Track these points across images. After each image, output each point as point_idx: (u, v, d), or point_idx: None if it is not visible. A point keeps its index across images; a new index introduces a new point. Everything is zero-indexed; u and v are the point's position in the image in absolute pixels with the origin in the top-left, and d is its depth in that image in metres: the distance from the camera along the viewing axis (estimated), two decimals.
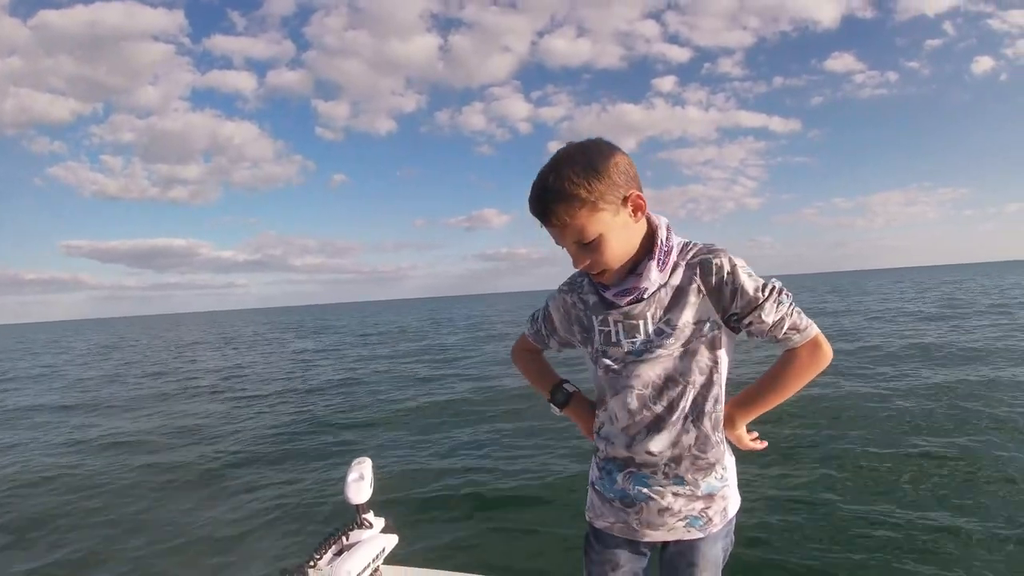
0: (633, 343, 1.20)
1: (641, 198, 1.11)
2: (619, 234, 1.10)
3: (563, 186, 1.02)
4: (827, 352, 1.20)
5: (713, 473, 1.24)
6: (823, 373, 1.21)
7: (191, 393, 12.22)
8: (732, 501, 1.30)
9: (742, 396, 1.30)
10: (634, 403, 1.21)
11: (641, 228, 1.16)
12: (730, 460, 1.30)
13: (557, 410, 1.44)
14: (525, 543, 3.79)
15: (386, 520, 1.75)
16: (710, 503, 1.25)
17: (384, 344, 21.31)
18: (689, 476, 1.23)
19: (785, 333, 1.17)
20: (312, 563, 1.61)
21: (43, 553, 4.22)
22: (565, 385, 1.45)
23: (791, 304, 1.16)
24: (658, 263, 1.15)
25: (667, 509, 1.23)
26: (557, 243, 1.14)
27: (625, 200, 1.08)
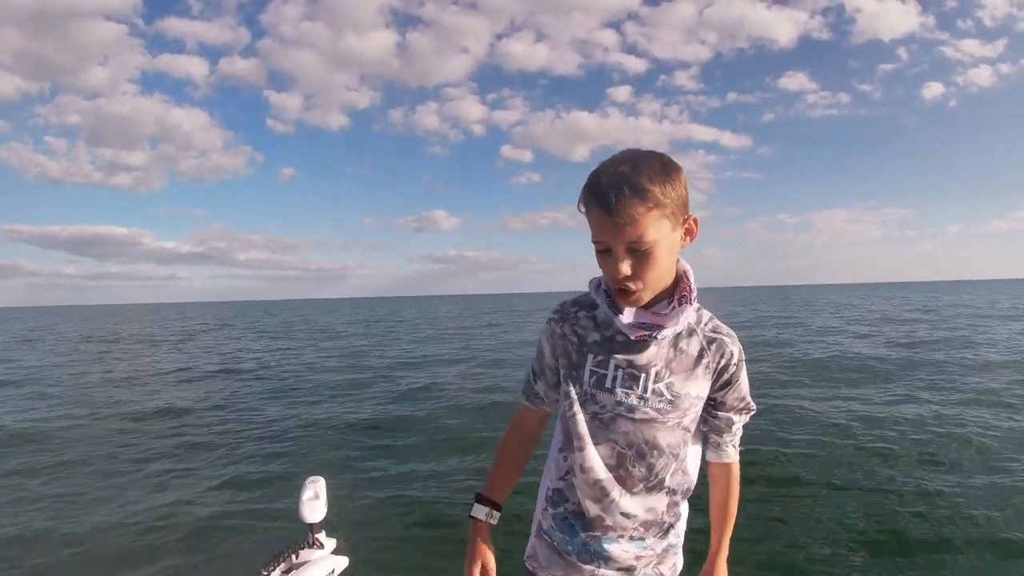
0: (627, 395, 1.11)
1: (696, 223, 1.07)
2: (669, 252, 1.04)
3: (641, 180, 0.96)
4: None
5: (672, 533, 1.23)
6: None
7: (111, 395, 11.66)
8: (681, 557, 1.29)
9: (719, 538, 1.31)
10: (612, 459, 1.14)
11: (681, 254, 1.12)
12: (684, 519, 1.28)
13: (479, 511, 1.28)
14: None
15: (337, 541, 1.72)
16: (663, 560, 1.24)
17: (317, 343, 20.89)
18: (651, 538, 1.19)
19: (732, 442, 1.25)
20: None
21: None
22: (495, 508, 1.29)
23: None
24: (677, 302, 1.11)
25: (629, 568, 1.19)
26: (600, 240, 1.02)
27: (685, 220, 1.04)
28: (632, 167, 0.97)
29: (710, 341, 1.13)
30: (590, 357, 1.15)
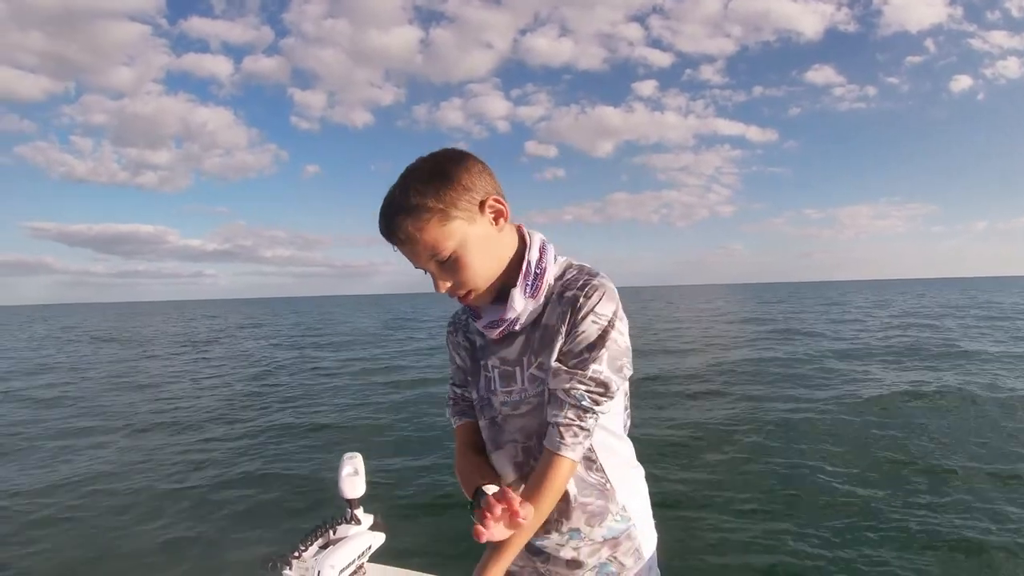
0: (508, 393, 1.07)
1: (500, 201, 0.97)
2: (480, 246, 0.96)
3: (408, 197, 0.91)
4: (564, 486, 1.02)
5: (610, 516, 1.10)
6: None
7: (167, 386, 11.96)
8: (646, 539, 1.16)
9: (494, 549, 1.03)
10: (520, 456, 1.08)
11: (509, 241, 1.03)
12: (634, 497, 1.15)
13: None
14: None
15: (374, 517, 1.74)
16: (616, 547, 1.11)
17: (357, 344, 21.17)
18: (583, 526, 1.09)
19: (561, 422, 0.98)
20: (297, 554, 1.60)
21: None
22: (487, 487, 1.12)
23: (592, 415, 0.98)
24: (523, 289, 1.00)
25: (573, 561, 1.11)
26: (416, 267, 0.98)
27: (482, 205, 0.95)
28: (401, 187, 0.93)
29: (567, 301, 0.99)
30: (480, 363, 1.13)
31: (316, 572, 1.55)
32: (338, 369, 13.53)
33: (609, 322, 0.98)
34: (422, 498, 4.79)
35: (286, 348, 19.68)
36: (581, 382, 0.97)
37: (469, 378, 1.19)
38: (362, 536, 1.68)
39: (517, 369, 1.06)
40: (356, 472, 1.69)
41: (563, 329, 0.99)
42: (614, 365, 0.99)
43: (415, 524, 4.20)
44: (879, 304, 35.82)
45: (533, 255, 1.02)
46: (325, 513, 1.69)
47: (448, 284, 0.97)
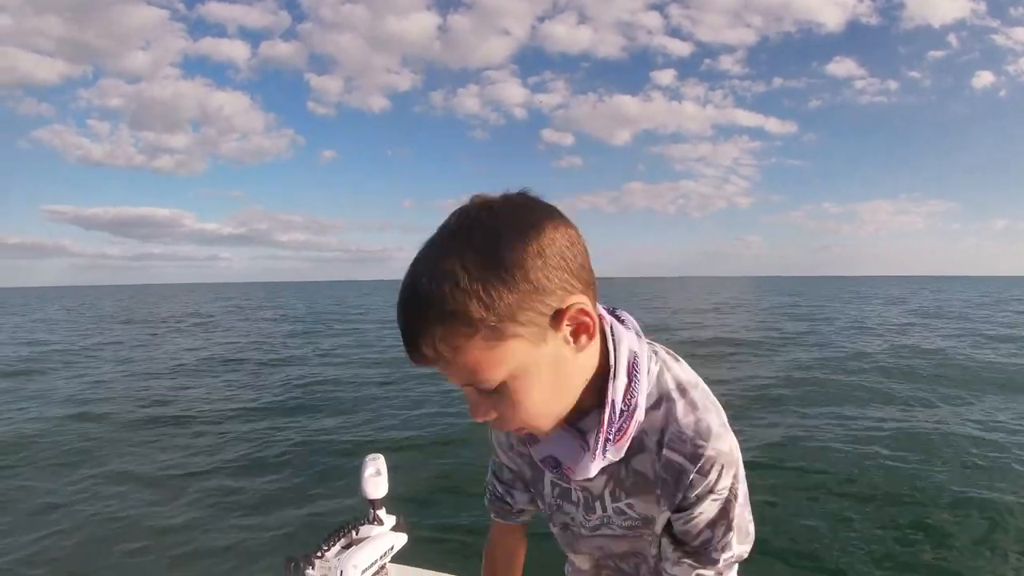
0: (588, 518, 0.88)
1: (586, 312, 0.62)
2: (546, 376, 0.63)
3: (441, 293, 0.56)
4: None
5: None
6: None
7: (171, 372, 12.12)
8: None
9: None
10: (591, 569, 0.97)
11: (589, 362, 0.69)
12: None
13: None
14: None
15: (397, 518, 1.74)
16: None
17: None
18: None
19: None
20: (320, 554, 1.60)
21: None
22: None
23: None
24: (602, 449, 0.71)
25: None
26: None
27: (558, 316, 0.60)
28: (431, 270, 0.57)
29: (665, 465, 0.72)
30: (547, 473, 0.89)
31: (339, 572, 1.56)
32: (353, 358, 13.63)
33: (731, 493, 0.72)
34: (443, 499, 4.80)
35: (303, 334, 19.83)
36: (710, 571, 0.76)
37: (529, 487, 0.97)
38: (385, 537, 1.68)
39: (598, 502, 0.83)
40: (379, 473, 1.69)
41: (665, 496, 0.75)
42: (743, 538, 0.76)
43: (437, 525, 4.21)
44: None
45: (619, 386, 0.69)
46: (347, 513, 1.69)
47: (490, 415, 0.67)
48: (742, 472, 0.73)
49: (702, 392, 0.73)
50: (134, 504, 4.75)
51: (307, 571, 1.60)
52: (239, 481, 5.30)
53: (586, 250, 0.63)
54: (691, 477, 0.70)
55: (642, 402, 0.71)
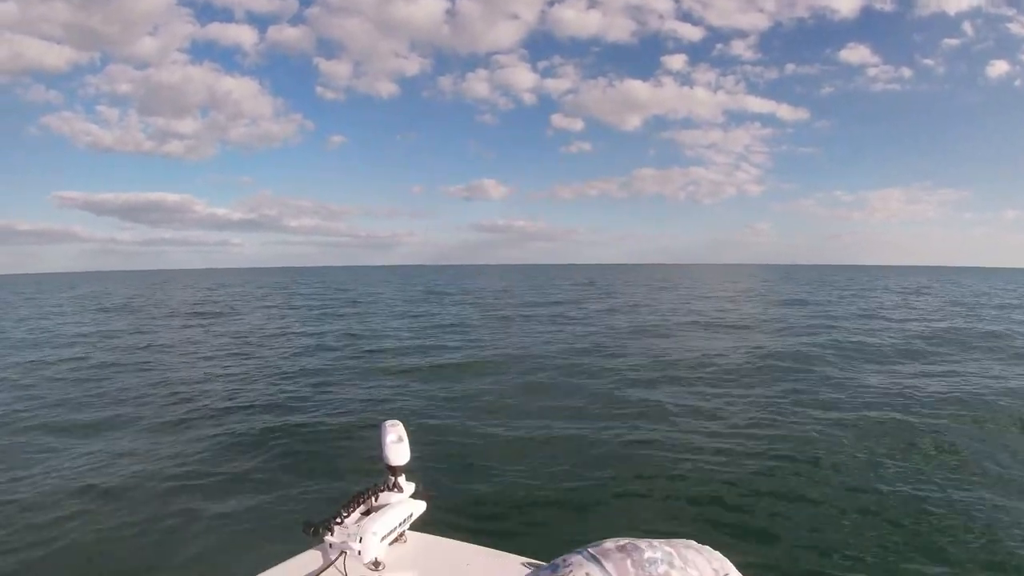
0: None
1: None
2: None
3: None
4: None
5: None
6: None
7: (192, 353, 12.23)
8: None
9: None
10: None
11: None
12: None
13: None
14: (549, 522, 3.96)
15: (416, 486, 1.73)
16: None
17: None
18: None
19: None
20: (339, 520, 1.59)
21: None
22: None
23: None
24: None
25: None
26: None
27: None
28: None
29: None
30: None
31: (358, 538, 1.55)
32: (372, 336, 13.67)
33: None
34: (462, 469, 4.89)
35: (320, 318, 19.94)
36: None
37: None
38: (404, 504, 1.67)
39: None
40: (400, 439, 1.67)
41: None
42: None
43: (456, 494, 4.28)
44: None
45: None
46: (367, 481, 1.68)
47: None
48: None
49: None
50: (159, 471, 4.85)
51: (326, 537, 1.60)
52: (259, 451, 5.43)
53: None
54: None
55: None
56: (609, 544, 0.94)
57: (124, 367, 10.26)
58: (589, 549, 0.93)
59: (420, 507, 1.70)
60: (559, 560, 0.93)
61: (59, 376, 9.49)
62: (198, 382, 8.88)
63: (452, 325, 16.30)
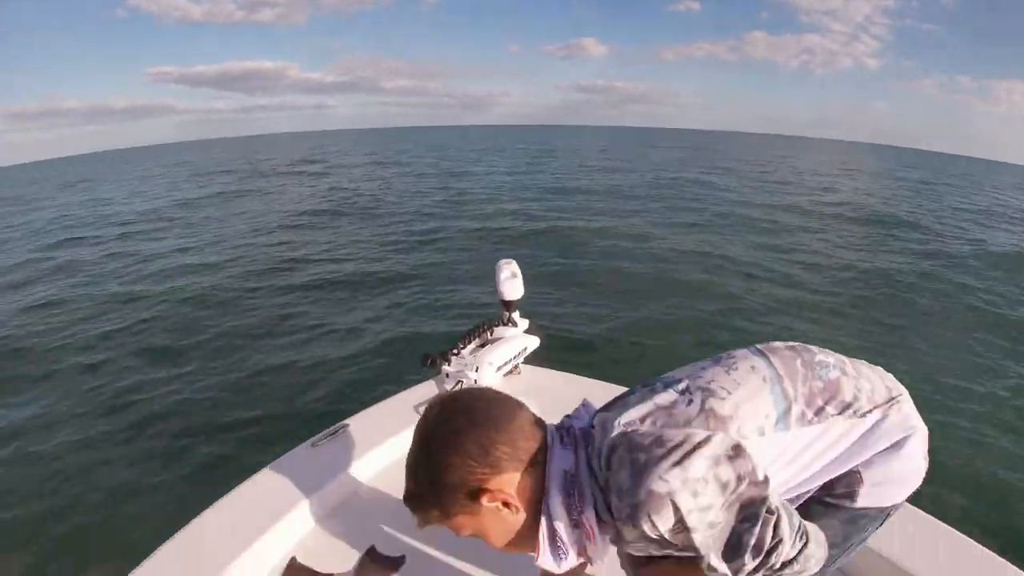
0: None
1: (500, 491, 0.78)
2: (491, 528, 0.82)
3: (409, 484, 0.82)
4: None
5: None
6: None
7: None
8: None
9: None
10: None
11: (520, 512, 0.83)
12: None
13: None
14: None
15: (530, 322, 1.74)
16: None
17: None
18: None
19: None
20: (456, 352, 1.65)
21: None
22: None
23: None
24: (550, 559, 0.83)
25: None
26: None
27: (478, 496, 0.77)
28: (410, 459, 0.81)
29: (625, 524, 0.75)
30: None
31: (474, 368, 1.60)
32: (474, 196, 13.73)
33: (681, 526, 0.72)
34: (574, 307, 5.08)
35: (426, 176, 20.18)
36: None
37: None
38: (519, 338, 1.70)
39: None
40: (514, 275, 1.66)
41: (643, 551, 0.82)
42: (735, 554, 0.74)
43: (568, 331, 4.46)
44: None
45: (555, 512, 0.81)
46: (483, 317, 1.70)
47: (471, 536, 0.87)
48: (689, 502, 0.71)
49: (625, 445, 0.76)
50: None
51: (443, 367, 1.67)
52: (380, 288, 5.97)
53: (509, 435, 0.78)
54: (633, 535, 0.75)
55: (590, 505, 0.80)
56: (779, 343, 0.90)
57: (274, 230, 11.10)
58: (757, 345, 0.89)
59: (534, 342, 1.72)
60: (723, 354, 0.90)
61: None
62: (325, 245, 9.41)
63: (560, 187, 15.88)
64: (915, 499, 0.90)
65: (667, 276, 6.27)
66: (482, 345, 1.68)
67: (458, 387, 1.61)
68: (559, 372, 1.72)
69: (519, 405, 0.81)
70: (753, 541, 0.72)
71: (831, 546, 0.81)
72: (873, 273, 6.81)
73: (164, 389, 3.90)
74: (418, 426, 0.81)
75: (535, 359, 1.73)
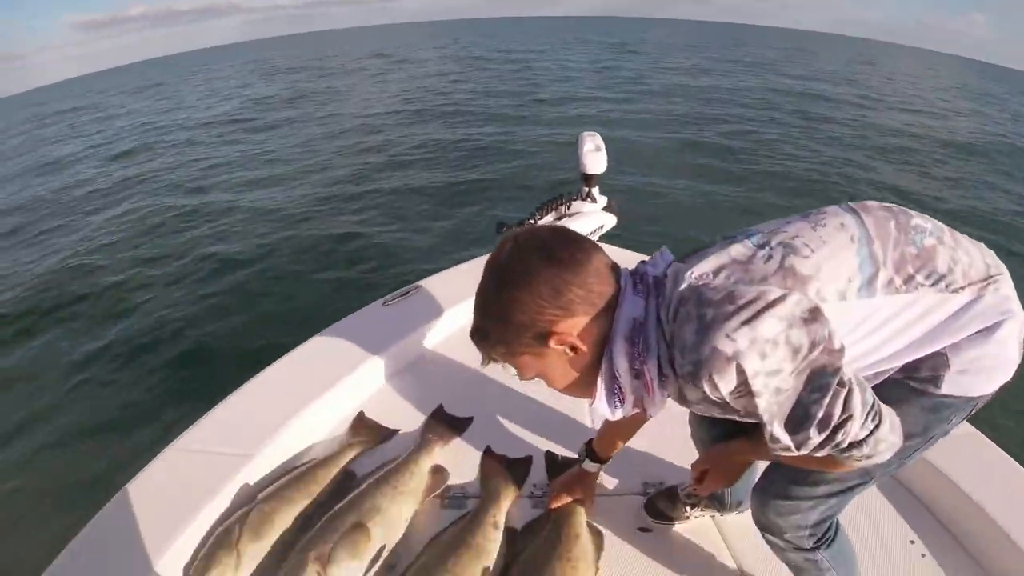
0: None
1: (568, 333, 0.76)
2: (554, 371, 0.83)
3: (476, 319, 0.82)
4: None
5: None
6: None
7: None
8: None
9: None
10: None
11: (585, 356, 0.81)
12: None
13: (591, 467, 1.26)
14: None
15: (609, 200, 1.69)
16: None
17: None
18: None
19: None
20: (531, 221, 1.63)
21: None
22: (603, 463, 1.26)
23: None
24: (608, 405, 0.84)
25: None
26: None
27: (546, 338, 0.76)
28: (479, 294, 0.81)
29: (686, 382, 0.74)
30: None
31: None
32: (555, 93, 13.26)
33: (745, 389, 0.68)
34: (653, 187, 5.16)
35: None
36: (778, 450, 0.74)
37: None
38: (596, 215, 1.66)
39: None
40: (598, 149, 1.59)
41: (704, 409, 0.83)
42: (798, 426, 0.69)
43: (646, 213, 4.48)
44: None
45: (618, 359, 0.80)
46: (561, 188, 1.66)
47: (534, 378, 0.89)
48: (756, 364, 0.66)
49: (694, 300, 0.72)
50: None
51: None
52: (461, 164, 6.16)
53: (583, 278, 0.74)
54: (695, 395, 0.75)
55: (653, 356, 0.77)
56: (873, 203, 0.83)
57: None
58: (849, 203, 0.83)
59: (611, 220, 1.68)
60: (813, 210, 0.84)
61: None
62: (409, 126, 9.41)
63: (641, 86, 15.06)
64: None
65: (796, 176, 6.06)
66: (559, 218, 1.66)
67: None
68: (635, 253, 1.68)
69: (596, 247, 0.77)
70: (820, 414, 0.67)
71: (909, 435, 0.76)
72: None
73: (254, 254, 4.34)
74: (489, 260, 0.79)
75: (611, 239, 1.69)
